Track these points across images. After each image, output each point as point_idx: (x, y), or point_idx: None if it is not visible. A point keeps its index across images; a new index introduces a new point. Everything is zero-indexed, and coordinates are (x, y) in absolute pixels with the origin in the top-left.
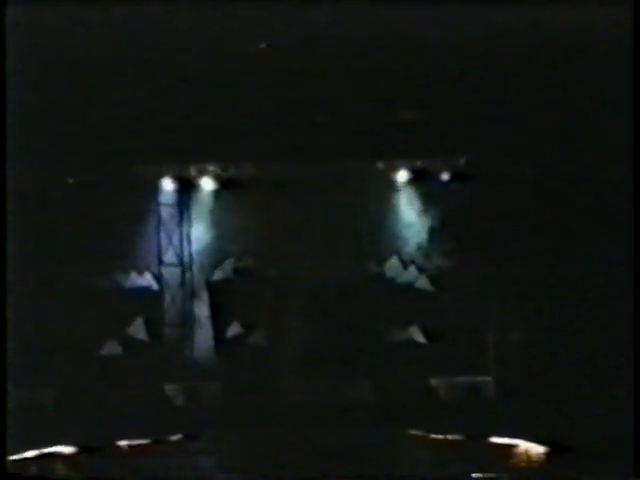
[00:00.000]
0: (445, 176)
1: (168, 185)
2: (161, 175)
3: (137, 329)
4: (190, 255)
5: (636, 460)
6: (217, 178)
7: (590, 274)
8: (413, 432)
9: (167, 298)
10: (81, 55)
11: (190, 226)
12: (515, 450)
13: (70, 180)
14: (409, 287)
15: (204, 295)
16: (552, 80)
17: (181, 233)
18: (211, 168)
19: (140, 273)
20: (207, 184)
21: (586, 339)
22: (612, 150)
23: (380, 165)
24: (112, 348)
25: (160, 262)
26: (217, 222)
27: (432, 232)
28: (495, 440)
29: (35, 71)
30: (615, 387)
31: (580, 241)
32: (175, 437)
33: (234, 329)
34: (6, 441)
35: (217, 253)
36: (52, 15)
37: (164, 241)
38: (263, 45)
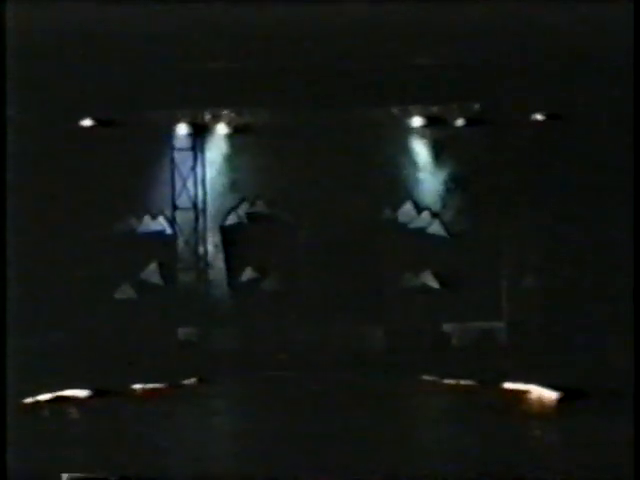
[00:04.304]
0: (460, 122)
1: (182, 130)
2: (176, 120)
3: (151, 273)
4: (204, 199)
5: (636, 460)
6: (231, 123)
7: (606, 220)
8: (426, 377)
9: (181, 242)
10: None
11: (204, 171)
12: (528, 396)
13: (83, 124)
14: (422, 232)
15: (218, 239)
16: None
17: (195, 178)
18: (225, 113)
19: (154, 217)
20: (221, 129)
21: (601, 285)
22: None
23: (394, 111)
24: (126, 292)
25: (174, 206)
26: (231, 167)
27: (446, 178)
28: (508, 386)
29: (48, 17)
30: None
31: (596, 188)
32: (189, 381)
33: (248, 273)
34: (6, 440)
35: (231, 197)
36: None
37: (178, 185)
38: None
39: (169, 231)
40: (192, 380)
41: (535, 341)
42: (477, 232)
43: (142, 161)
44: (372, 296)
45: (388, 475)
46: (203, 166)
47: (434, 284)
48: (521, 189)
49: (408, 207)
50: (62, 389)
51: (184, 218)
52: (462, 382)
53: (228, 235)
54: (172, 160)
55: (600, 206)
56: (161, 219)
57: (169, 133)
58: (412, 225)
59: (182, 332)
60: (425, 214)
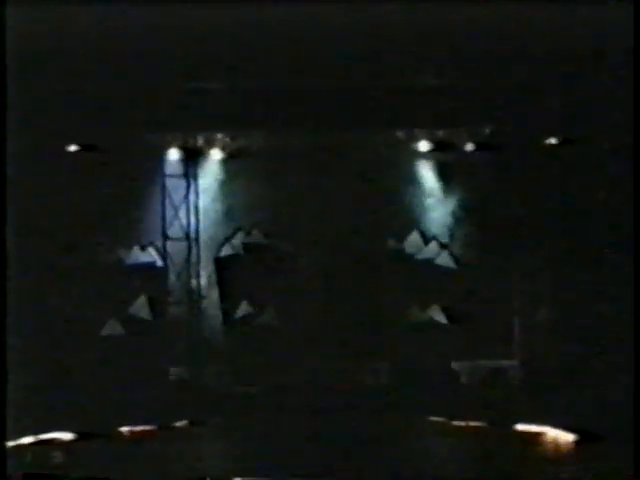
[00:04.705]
0: (469, 146)
1: (174, 155)
2: (167, 144)
3: (140, 308)
4: (197, 229)
5: (636, 460)
6: (226, 147)
7: (621, 251)
8: (433, 418)
9: (172, 275)
10: (91, 22)
11: (197, 198)
12: (542, 438)
13: (70, 148)
14: (430, 264)
15: (211, 272)
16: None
17: (187, 205)
18: (219, 137)
19: (143, 248)
20: (215, 154)
21: (616, 321)
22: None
23: (400, 134)
24: (113, 328)
25: (165, 236)
26: (226, 194)
27: (455, 206)
28: (521, 427)
29: (42, 34)
30: None
31: (611, 218)
32: (180, 423)
33: (243, 308)
34: (6, 439)
35: (225, 227)
36: None
37: (169, 214)
38: None
39: (160, 263)
40: (183, 422)
41: (549, 380)
42: (487, 264)
43: (131, 188)
44: (376, 332)
45: None
46: (196, 193)
47: (442, 319)
48: (533, 217)
49: (415, 237)
50: (45, 432)
51: (176, 249)
52: (472, 423)
53: (223, 267)
54: (163, 187)
55: (617, 238)
56: (151, 250)
57: (160, 158)
58: (419, 256)
59: (173, 370)
60: (433, 244)
